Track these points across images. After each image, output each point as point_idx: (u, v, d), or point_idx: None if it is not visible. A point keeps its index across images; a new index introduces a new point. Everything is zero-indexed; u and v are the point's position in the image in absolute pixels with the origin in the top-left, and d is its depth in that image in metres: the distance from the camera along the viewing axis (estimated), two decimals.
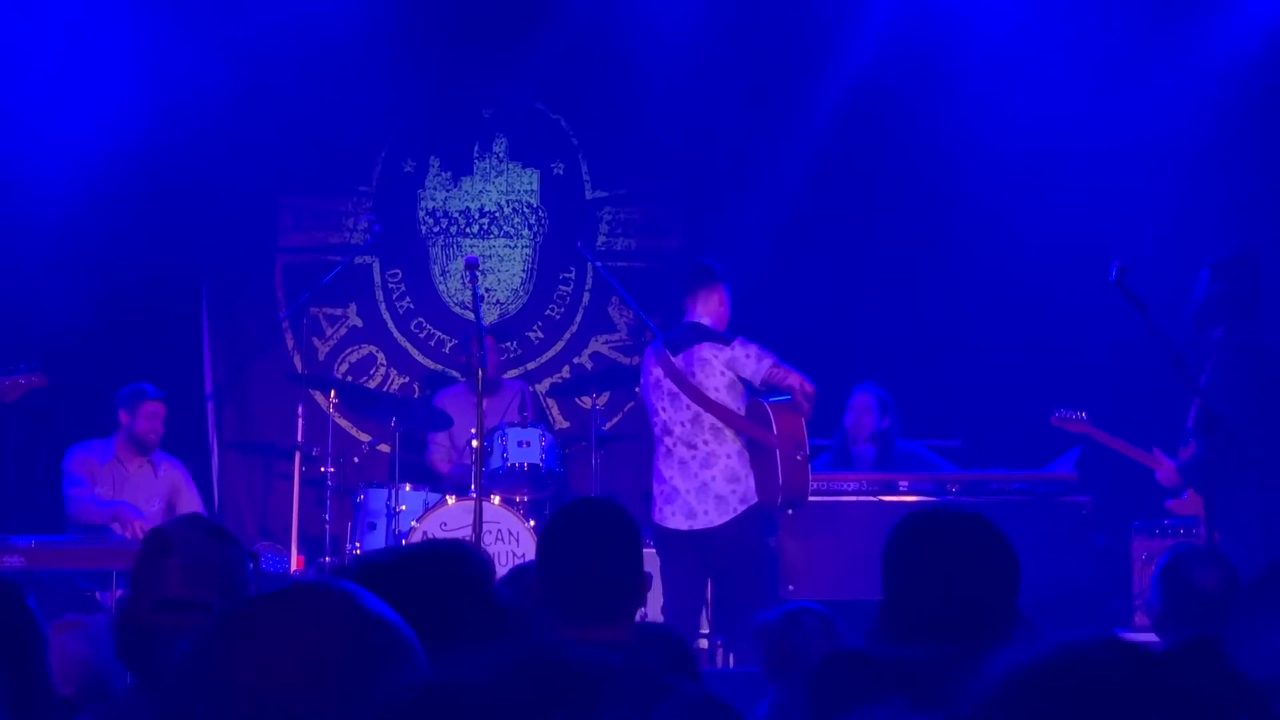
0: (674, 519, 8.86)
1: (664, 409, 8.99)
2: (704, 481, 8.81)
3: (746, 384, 8.90)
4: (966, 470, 10.01)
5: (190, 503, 10.16)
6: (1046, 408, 10.13)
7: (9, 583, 3.71)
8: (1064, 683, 1.86)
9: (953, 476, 9.79)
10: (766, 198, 11.79)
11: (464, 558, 2.48)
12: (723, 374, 8.83)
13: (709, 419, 8.82)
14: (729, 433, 8.83)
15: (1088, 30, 11.31)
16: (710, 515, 8.79)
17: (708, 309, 9.05)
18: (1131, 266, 8.03)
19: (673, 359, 8.95)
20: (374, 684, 1.89)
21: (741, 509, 8.80)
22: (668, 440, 8.98)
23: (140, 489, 10.02)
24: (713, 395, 8.81)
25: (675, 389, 8.90)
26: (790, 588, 9.24)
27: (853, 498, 9.53)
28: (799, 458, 8.71)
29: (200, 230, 11.67)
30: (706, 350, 8.87)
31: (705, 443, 8.84)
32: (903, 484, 9.61)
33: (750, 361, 8.81)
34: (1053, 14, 11.36)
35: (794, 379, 8.74)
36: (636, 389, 11.62)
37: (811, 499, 9.42)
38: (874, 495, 9.51)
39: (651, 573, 9.79)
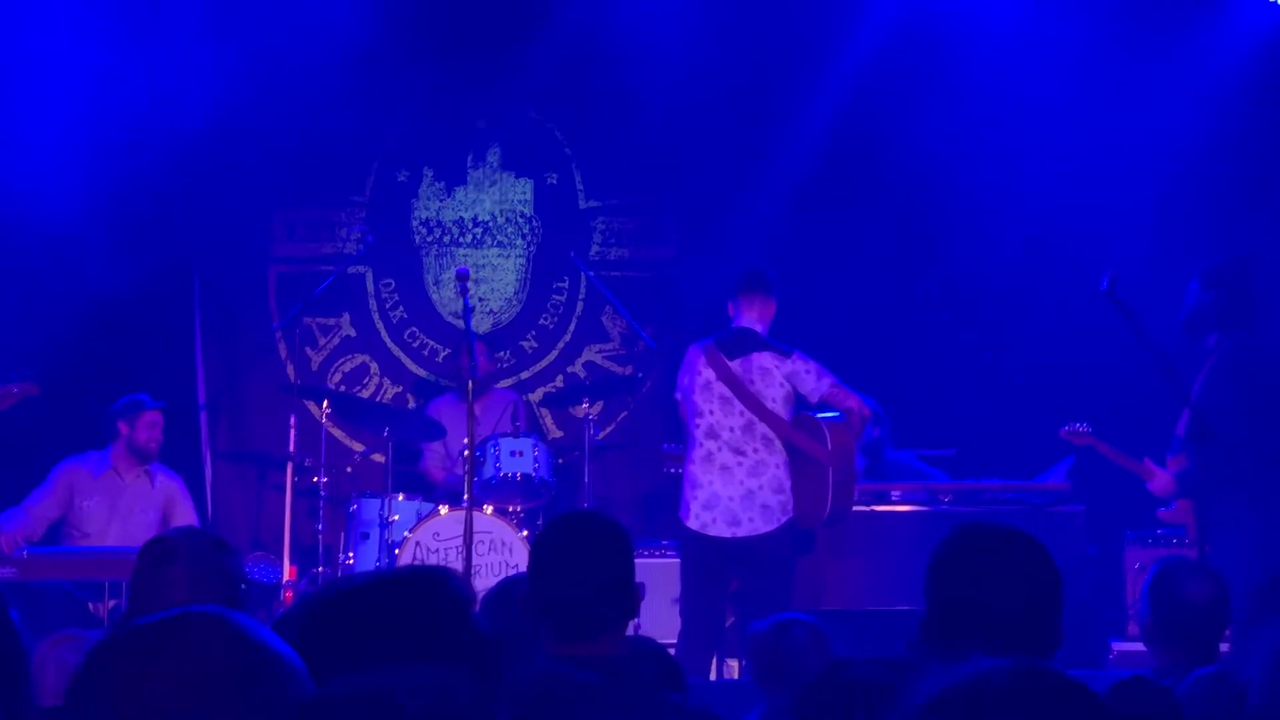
0: (715, 525, 8.84)
1: (712, 412, 8.95)
2: (750, 490, 8.81)
3: (800, 399, 8.93)
4: (959, 480, 10.02)
5: (185, 515, 10.14)
6: (1040, 418, 10.15)
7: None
8: (972, 711, 1.88)
9: (945, 486, 9.80)
10: (759, 207, 11.79)
11: (443, 583, 2.47)
12: (781, 385, 8.85)
13: (762, 428, 8.82)
14: (779, 443, 8.84)
15: (1082, 39, 11.31)
16: (755, 523, 8.79)
17: (762, 316, 9.06)
18: (1125, 275, 8.05)
19: (729, 363, 8.94)
20: (252, 710, 1.89)
21: (784, 520, 8.82)
22: (711, 444, 8.94)
23: (137, 499, 10.00)
24: (770, 405, 8.82)
25: (729, 394, 8.88)
26: None
27: None
28: (850, 478, 8.75)
29: (193, 240, 11.68)
30: (768, 360, 8.89)
31: (755, 450, 8.83)
32: (895, 494, 9.62)
33: (810, 378, 8.84)
34: (1046, 23, 11.36)
35: (854, 401, 8.84)
36: (630, 398, 11.70)
37: None
38: (866, 505, 9.51)
39: (644, 583, 9.87)
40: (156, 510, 10.05)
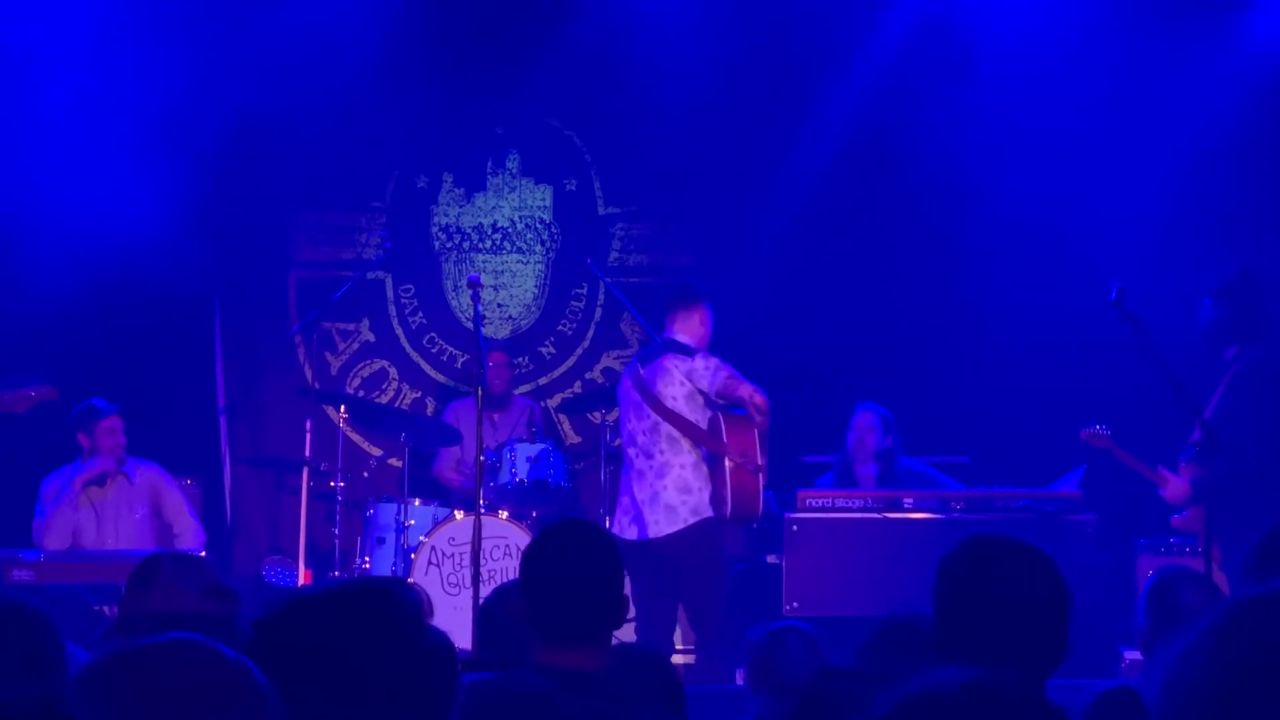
0: (629, 530, 8.89)
1: (629, 419, 9.08)
2: (656, 492, 8.86)
3: (709, 398, 8.94)
4: (971, 488, 10.02)
5: (173, 499, 10.13)
6: (1052, 426, 10.15)
7: (34, 609, 3.78)
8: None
9: (957, 494, 9.80)
10: (776, 215, 11.83)
11: (390, 595, 2.52)
12: (681, 384, 8.86)
13: (666, 428, 8.87)
14: (685, 444, 8.86)
15: (1093, 49, 11.32)
16: (660, 525, 8.82)
17: (686, 327, 9.09)
18: (1135, 286, 8.06)
19: (640, 370, 9.03)
20: None
21: (692, 520, 8.80)
22: (631, 451, 9.07)
23: (121, 501, 10.01)
24: (670, 404, 8.84)
25: (639, 399, 8.97)
26: (793, 604, 9.26)
27: (857, 515, 9.54)
28: (749, 470, 8.72)
29: (214, 245, 11.73)
30: (669, 360, 8.93)
31: (661, 452, 8.88)
32: (907, 501, 9.62)
33: (707, 373, 8.83)
34: (1056, 35, 11.36)
35: (744, 390, 8.75)
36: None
37: (816, 516, 9.46)
38: (878, 512, 9.53)
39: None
40: (144, 505, 10.04)
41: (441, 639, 2.51)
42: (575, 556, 4.13)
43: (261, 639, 2.35)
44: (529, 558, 4.20)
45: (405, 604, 2.49)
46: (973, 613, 3.54)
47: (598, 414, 10.62)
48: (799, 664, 5.18)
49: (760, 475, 8.77)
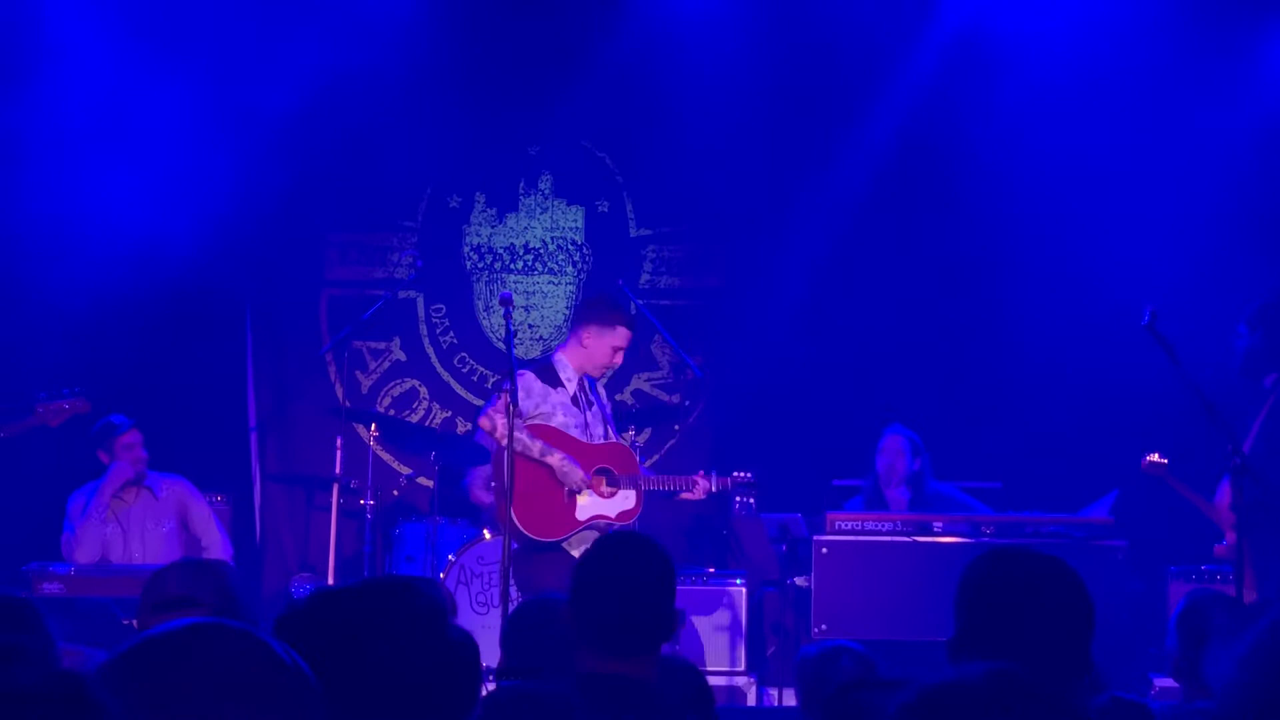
0: None
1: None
2: None
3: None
4: (1002, 512, 9.99)
5: (201, 512, 10.13)
6: (1084, 452, 10.12)
7: (25, 602, 3.81)
8: (937, 713, 1.91)
9: (988, 518, 9.76)
10: (807, 237, 11.82)
11: (414, 591, 2.52)
12: None
13: None
14: None
15: (1131, 70, 11.29)
16: None
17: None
18: (1168, 310, 8.03)
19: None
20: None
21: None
22: None
23: (147, 515, 10.02)
24: None
25: None
26: (822, 626, 9.23)
27: (887, 538, 9.51)
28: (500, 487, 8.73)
29: (247, 263, 11.77)
30: None
31: None
32: (937, 525, 9.58)
33: None
34: (1098, 56, 11.35)
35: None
36: (677, 426, 11.73)
37: (846, 539, 9.44)
38: (908, 536, 9.50)
39: (685, 609, 9.89)
40: (172, 520, 10.05)
41: (464, 636, 2.51)
42: (629, 569, 4.15)
43: (284, 633, 2.34)
44: (582, 569, 4.23)
45: (429, 600, 2.49)
46: (993, 621, 3.54)
47: (628, 435, 10.59)
48: None
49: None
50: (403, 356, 12.24)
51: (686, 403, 11.57)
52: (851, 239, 11.80)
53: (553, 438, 8.81)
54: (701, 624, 9.98)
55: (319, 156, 11.66)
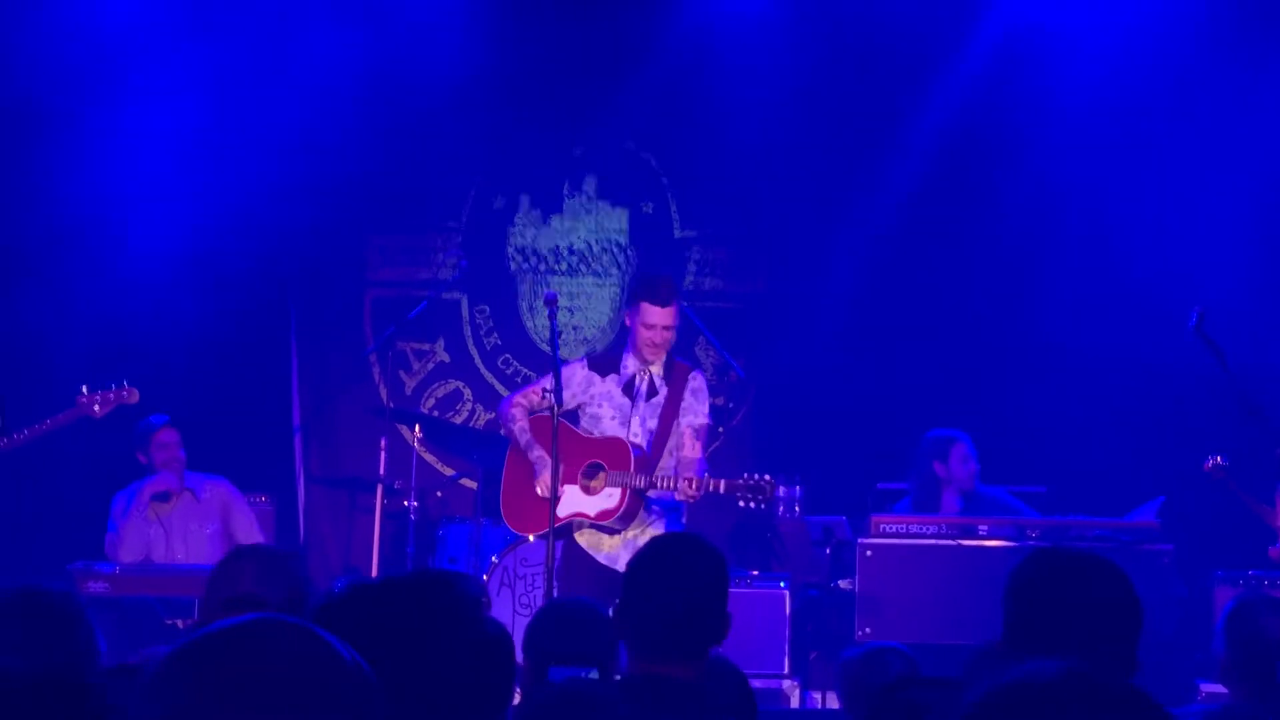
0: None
1: None
2: None
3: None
4: (1048, 516, 9.93)
5: (243, 515, 10.12)
6: (1130, 456, 10.05)
7: (61, 593, 3.82)
8: (1011, 711, 1.87)
9: (1033, 522, 9.70)
10: (852, 239, 11.79)
11: (450, 585, 2.51)
12: None
13: None
14: None
15: (1181, 69, 11.23)
16: None
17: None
18: (1215, 312, 7.98)
19: None
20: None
21: None
22: None
23: (190, 517, 10.00)
24: None
25: None
26: (866, 630, 9.18)
27: (931, 541, 9.46)
28: None
29: (291, 264, 11.81)
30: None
31: None
32: (982, 529, 9.53)
33: None
34: (1146, 59, 11.28)
35: None
36: (721, 429, 11.70)
37: (890, 541, 9.39)
38: (953, 539, 9.44)
39: (732, 612, 9.86)
40: (215, 521, 10.02)
41: (500, 630, 2.50)
42: (681, 570, 4.12)
43: (321, 624, 2.33)
44: (634, 570, 4.19)
45: (465, 595, 2.48)
46: (1042, 621, 3.53)
47: None
48: None
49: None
50: (447, 358, 12.25)
51: (730, 405, 11.52)
52: (896, 241, 11.77)
53: (546, 432, 8.66)
54: (745, 627, 9.94)
55: (364, 157, 11.69)
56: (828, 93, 11.76)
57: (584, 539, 8.67)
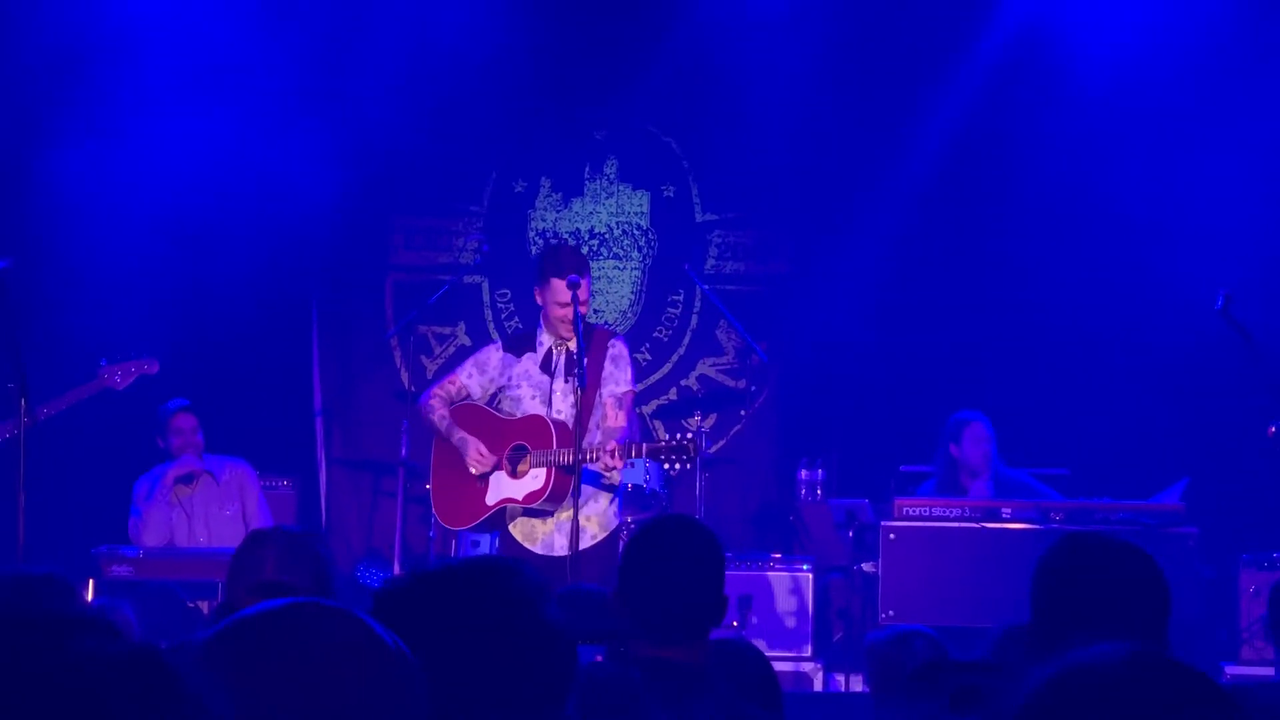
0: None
1: None
2: None
3: None
4: (1071, 499, 9.91)
5: (254, 499, 10.08)
6: (1154, 438, 10.01)
7: (57, 576, 3.82)
8: (1081, 693, 1.85)
9: (1057, 505, 9.69)
10: (873, 221, 11.75)
11: (515, 574, 2.48)
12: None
13: None
14: None
15: (1200, 56, 11.18)
16: None
17: None
18: (1241, 294, 7.95)
19: None
20: (375, 707, 1.86)
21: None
22: None
23: (210, 499, 9.99)
24: None
25: None
26: (889, 612, 9.17)
27: (955, 524, 9.45)
28: None
29: (312, 248, 11.81)
30: None
31: None
32: (1006, 512, 9.51)
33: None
34: (1165, 43, 11.24)
35: None
36: (743, 412, 11.69)
37: (914, 525, 9.38)
38: (976, 522, 9.43)
39: (752, 594, 9.86)
40: (234, 503, 10.00)
41: (563, 623, 2.46)
42: (676, 552, 4.11)
43: (382, 611, 2.31)
44: (630, 553, 4.19)
45: (529, 584, 2.45)
46: (1071, 606, 3.53)
47: (694, 420, 10.55)
48: None
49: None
50: (468, 341, 12.23)
51: (752, 388, 11.50)
52: (918, 223, 11.73)
53: (467, 418, 8.51)
54: (768, 609, 9.94)
55: (384, 141, 11.67)
56: (849, 75, 11.73)
57: (517, 530, 8.44)
